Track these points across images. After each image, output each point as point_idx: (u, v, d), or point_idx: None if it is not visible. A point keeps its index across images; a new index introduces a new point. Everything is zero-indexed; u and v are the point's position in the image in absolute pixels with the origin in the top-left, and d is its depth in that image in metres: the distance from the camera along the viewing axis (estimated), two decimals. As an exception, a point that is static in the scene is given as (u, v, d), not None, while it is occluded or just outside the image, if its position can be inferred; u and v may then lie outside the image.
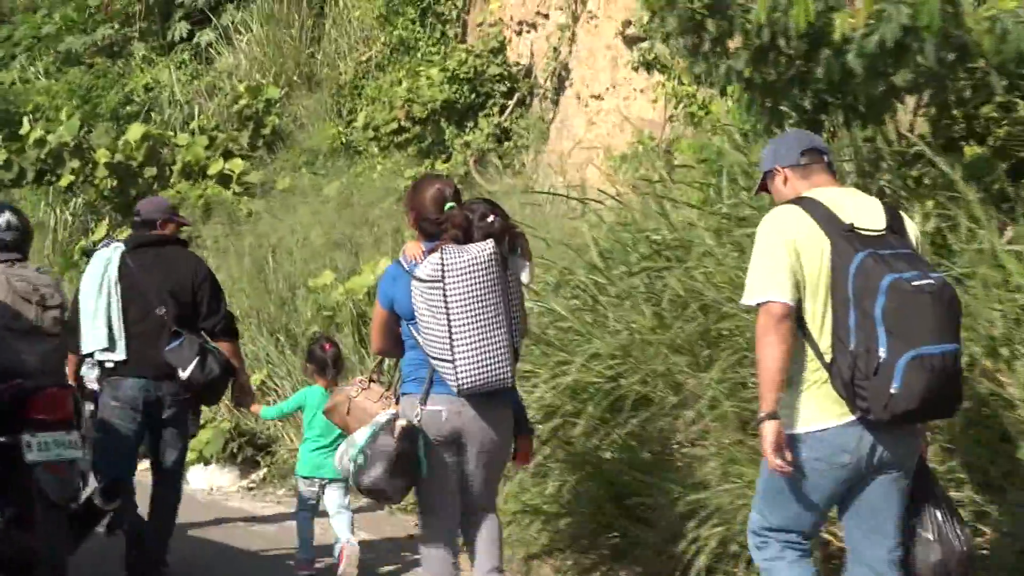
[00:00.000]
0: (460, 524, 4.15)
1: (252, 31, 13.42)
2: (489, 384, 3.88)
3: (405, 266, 3.98)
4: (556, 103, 9.90)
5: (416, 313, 3.89)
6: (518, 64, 10.55)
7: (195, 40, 14.09)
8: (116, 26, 14.39)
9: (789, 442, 3.12)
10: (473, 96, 10.27)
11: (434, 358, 3.86)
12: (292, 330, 8.32)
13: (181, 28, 14.25)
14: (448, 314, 3.78)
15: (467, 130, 10.21)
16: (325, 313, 7.96)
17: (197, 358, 5.05)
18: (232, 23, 13.67)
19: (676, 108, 7.04)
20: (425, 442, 3.90)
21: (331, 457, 5.13)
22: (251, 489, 7.58)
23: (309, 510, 5.46)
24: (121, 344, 5.10)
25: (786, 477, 3.16)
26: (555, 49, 9.86)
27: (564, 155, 8.86)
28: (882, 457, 3.14)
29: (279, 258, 9.05)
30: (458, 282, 3.78)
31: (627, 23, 8.26)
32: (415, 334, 3.95)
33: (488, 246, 3.85)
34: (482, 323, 3.82)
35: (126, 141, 10.75)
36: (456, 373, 3.80)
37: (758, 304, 3.17)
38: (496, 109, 10.28)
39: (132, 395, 5.11)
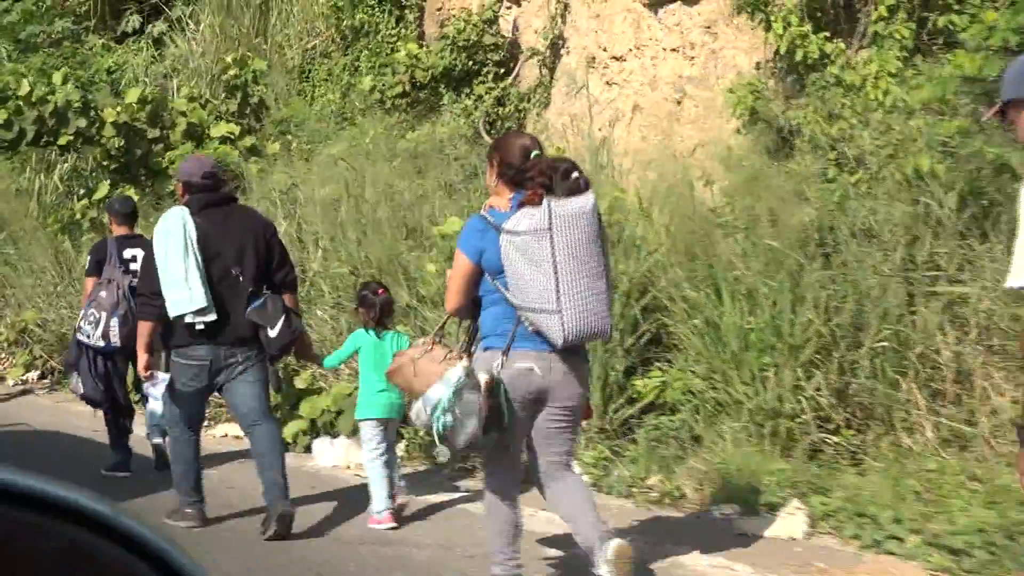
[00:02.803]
0: (542, 485, 4.13)
1: (202, 23, 13.88)
2: (594, 334, 3.92)
3: (491, 219, 3.92)
4: (553, 69, 10.62)
5: (508, 266, 3.83)
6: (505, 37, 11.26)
7: (147, 31, 14.61)
8: (73, 18, 14.72)
9: None
10: (470, 63, 10.89)
11: (533, 310, 3.79)
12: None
13: (133, 21, 14.83)
14: (555, 264, 3.73)
15: (463, 96, 10.83)
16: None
17: (284, 316, 5.09)
18: (183, 16, 14.08)
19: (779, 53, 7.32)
20: (505, 395, 3.85)
21: (395, 396, 5.35)
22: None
23: (383, 453, 5.42)
24: (212, 305, 5.02)
25: None
26: (552, 18, 10.59)
27: (576, 116, 9.58)
28: None
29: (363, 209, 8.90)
30: (566, 232, 3.74)
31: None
32: (501, 288, 3.90)
33: (591, 198, 3.85)
34: (586, 274, 3.79)
35: (128, 104, 10.84)
36: (563, 324, 3.75)
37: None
38: (491, 76, 10.93)
39: (204, 361, 5.12)
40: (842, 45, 6.93)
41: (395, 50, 11.85)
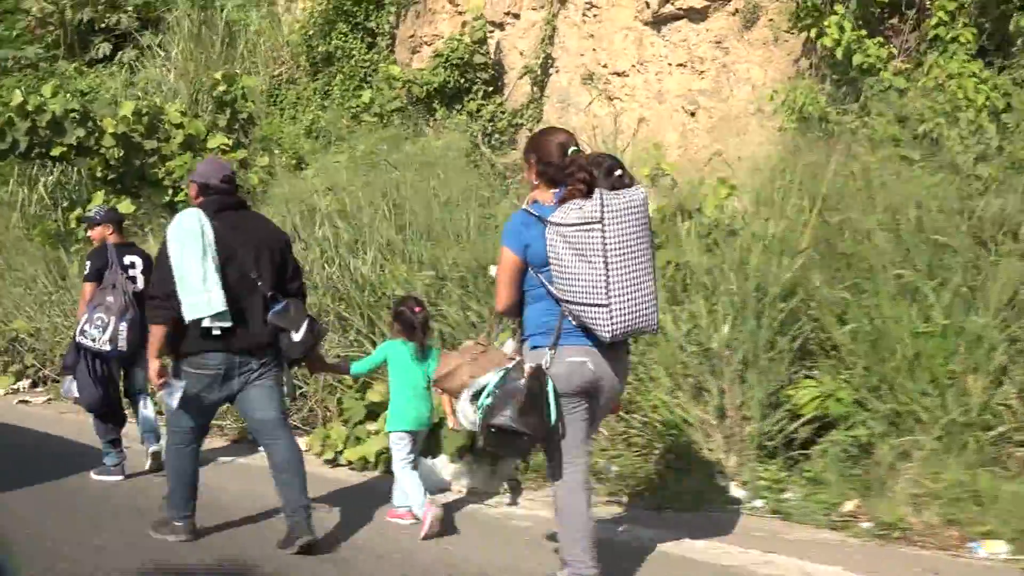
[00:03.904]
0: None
1: (174, 49, 14.18)
2: (640, 329, 3.82)
3: (535, 212, 3.85)
4: (543, 86, 11.14)
5: (554, 259, 3.76)
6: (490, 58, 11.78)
7: (117, 58, 14.99)
8: (44, 45, 14.95)
9: None
10: (462, 81, 11.35)
11: (579, 304, 3.71)
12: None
13: (104, 48, 15.26)
14: (606, 257, 3.67)
15: (455, 112, 11.28)
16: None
17: (307, 320, 4.95)
18: (152, 45, 14.43)
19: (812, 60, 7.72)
20: (554, 391, 3.78)
21: (425, 409, 5.47)
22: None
23: (410, 463, 5.40)
24: (227, 311, 4.77)
25: None
26: (542, 40, 11.12)
27: (576, 129, 10.09)
28: None
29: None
30: (617, 225, 3.68)
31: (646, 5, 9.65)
32: (545, 282, 3.83)
33: (641, 191, 3.79)
34: (635, 267, 3.73)
35: (124, 116, 10.93)
36: (611, 318, 3.68)
37: None
38: (480, 94, 11.39)
39: (217, 370, 4.85)
40: (893, 49, 7.43)
41: (369, 74, 12.45)
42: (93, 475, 6.67)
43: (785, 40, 8.67)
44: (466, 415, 4.02)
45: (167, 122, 11.22)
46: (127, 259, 6.76)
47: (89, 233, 7.17)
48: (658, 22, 9.71)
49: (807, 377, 5.69)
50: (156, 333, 4.88)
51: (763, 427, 5.58)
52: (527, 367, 3.76)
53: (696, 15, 9.40)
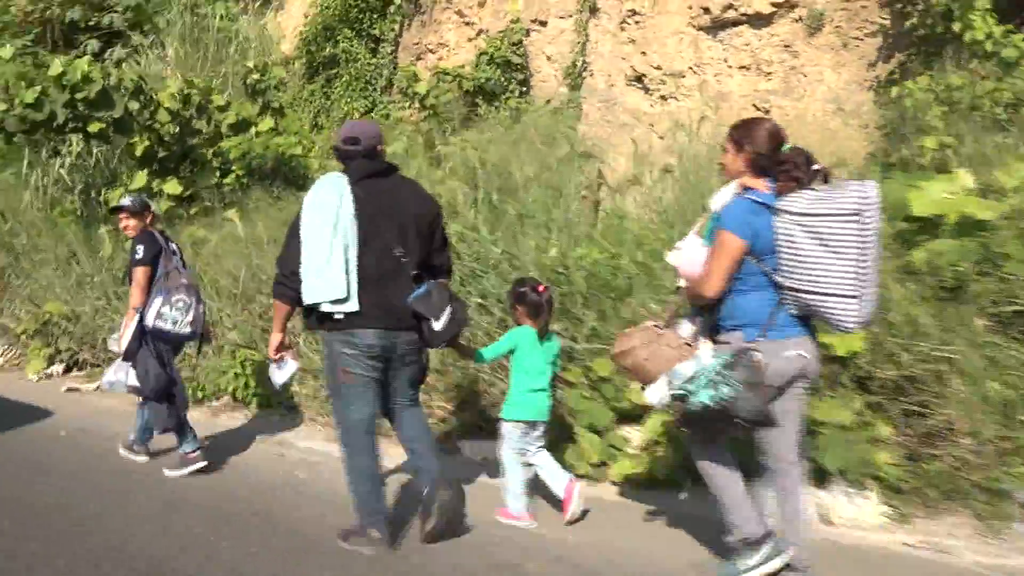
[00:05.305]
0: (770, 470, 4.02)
1: (169, 48, 14.01)
2: (870, 319, 3.79)
3: (760, 200, 3.82)
4: (578, 87, 11.70)
5: (789, 248, 3.75)
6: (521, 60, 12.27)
7: (107, 55, 14.60)
8: (33, 39, 14.44)
9: None
10: (503, 80, 11.78)
11: (821, 294, 3.68)
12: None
13: (92, 45, 14.83)
14: (862, 248, 3.59)
15: (495, 108, 11.66)
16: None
17: (449, 306, 4.51)
18: (142, 44, 14.10)
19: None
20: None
21: (547, 399, 5.12)
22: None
23: (521, 455, 5.10)
24: (355, 292, 4.36)
25: None
26: (578, 43, 11.72)
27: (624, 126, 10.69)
28: None
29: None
30: (872, 216, 3.60)
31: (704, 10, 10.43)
32: (769, 271, 3.82)
33: (874, 184, 3.68)
34: (876, 259, 3.69)
35: (172, 93, 10.60)
36: (860, 309, 3.64)
37: None
38: (516, 93, 11.84)
39: (368, 343, 4.40)
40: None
41: (374, 78, 12.86)
42: (169, 472, 6.19)
43: (856, 45, 9.66)
44: (661, 397, 3.96)
45: (214, 105, 10.94)
46: (172, 246, 6.56)
47: (124, 223, 6.60)
48: (714, 27, 10.46)
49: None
50: (278, 310, 4.61)
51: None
52: (757, 357, 3.75)
53: (759, 21, 10.27)
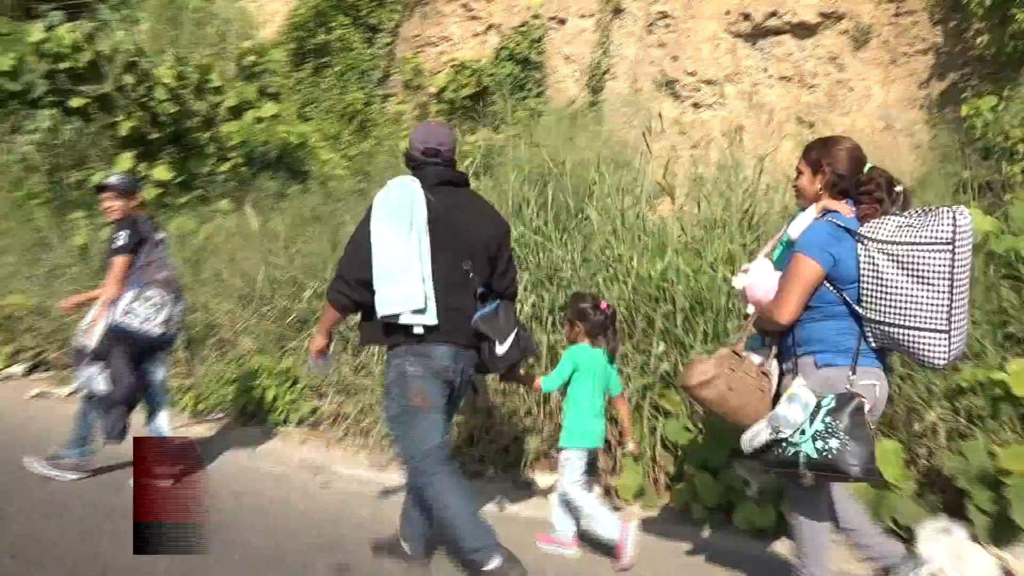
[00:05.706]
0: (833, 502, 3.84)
1: (143, 23, 12.92)
2: (962, 355, 3.57)
3: (843, 224, 3.55)
4: (598, 90, 10.99)
5: (871, 278, 3.48)
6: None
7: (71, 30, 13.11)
8: None
9: None
10: (521, 76, 11.02)
11: (906, 327, 3.41)
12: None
13: (56, 17, 13.22)
14: (953, 281, 3.33)
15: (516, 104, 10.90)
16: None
17: (515, 331, 4.17)
18: (111, 18, 12.96)
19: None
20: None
21: (603, 423, 4.74)
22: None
23: (585, 484, 4.72)
24: (432, 305, 3.99)
25: None
26: (600, 44, 11.03)
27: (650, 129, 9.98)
28: None
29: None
30: (965, 246, 3.34)
31: (743, 17, 9.82)
32: (849, 300, 3.55)
33: (967, 211, 3.39)
34: (968, 291, 3.43)
35: (168, 69, 9.55)
36: (950, 344, 3.38)
37: None
38: (533, 91, 11.08)
39: (444, 365, 4.03)
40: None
41: (370, 68, 12.01)
42: (40, 466, 5.65)
43: (905, 61, 9.17)
44: (758, 437, 3.56)
45: (211, 86, 9.91)
46: (158, 235, 5.74)
47: (109, 204, 5.71)
48: (754, 35, 9.90)
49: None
50: (330, 315, 4.18)
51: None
52: (863, 403, 3.42)
53: (803, 31, 9.73)
